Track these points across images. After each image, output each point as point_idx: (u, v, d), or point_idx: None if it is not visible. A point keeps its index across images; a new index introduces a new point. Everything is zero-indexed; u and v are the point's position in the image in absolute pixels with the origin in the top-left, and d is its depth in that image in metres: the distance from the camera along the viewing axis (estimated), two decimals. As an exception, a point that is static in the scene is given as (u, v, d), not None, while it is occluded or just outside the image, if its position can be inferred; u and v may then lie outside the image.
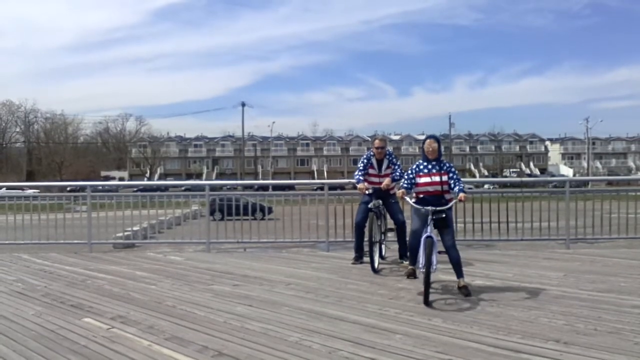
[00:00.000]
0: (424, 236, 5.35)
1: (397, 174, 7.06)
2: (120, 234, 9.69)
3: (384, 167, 7.15)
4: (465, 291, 5.44)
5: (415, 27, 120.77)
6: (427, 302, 5.06)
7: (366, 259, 7.05)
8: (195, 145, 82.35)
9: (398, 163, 7.25)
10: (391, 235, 7.48)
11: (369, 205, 6.89)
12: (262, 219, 9.84)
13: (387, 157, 7.19)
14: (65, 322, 4.64)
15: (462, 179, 5.81)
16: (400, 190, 5.76)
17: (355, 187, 7.30)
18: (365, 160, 7.21)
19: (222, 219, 9.70)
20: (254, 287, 6.01)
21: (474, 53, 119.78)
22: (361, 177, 7.07)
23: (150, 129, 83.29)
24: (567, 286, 5.79)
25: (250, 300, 5.38)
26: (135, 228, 10.07)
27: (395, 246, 7.44)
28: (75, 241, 9.24)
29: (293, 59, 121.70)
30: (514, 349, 3.81)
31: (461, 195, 5.52)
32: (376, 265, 6.67)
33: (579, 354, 3.70)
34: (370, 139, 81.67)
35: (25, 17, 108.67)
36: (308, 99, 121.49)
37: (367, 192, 6.98)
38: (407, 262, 6.68)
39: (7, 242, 9.17)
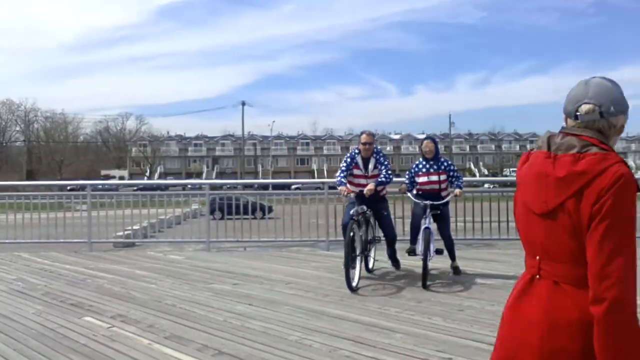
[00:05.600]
0: (422, 227, 5.92)
1: (383, 175, 6.10)
2: (121, 233, 9.68)
3: (370, 166, 6.17)
4: (456, 271, 6.32)
5: (419, 26, 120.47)
6: (425, 286, 5.67)
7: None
8: (195, 145, 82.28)
9: (386, 162, 6.24)
10: (381, 241, 6.65)
11: (351, 212, 5.96)
12: (262, 218, 9.85)
13: (375, 155, 6.21)
14: (65, 321, 4.64)
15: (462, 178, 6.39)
16: (403, 186, 6.41)
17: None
18: (348, 159, 6.25)
19: (222, 218, 9.70)
20: (254, 286, 6.01)
21: (478, 52, 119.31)
22: (343, 179, 6.13)
23: (151, 128, 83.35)
24: (568, 285, 5.78)
25: (250, 299, 5.38)
26: (135, 227, 10.06)
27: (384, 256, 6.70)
28: (76, 240, 9.24)
29: (295, 58, 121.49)
30: (514, 348, 3.81)
31: (456, 191, 6.16)
32: (354, 282, 5.67)
33: (580, 353, 3.69)
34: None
35: (28, 16, 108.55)
36: (310, 98, 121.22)
37: (349, 195, 6.12)
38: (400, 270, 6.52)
39: (7, 241, 9.17)
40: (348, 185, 6.17)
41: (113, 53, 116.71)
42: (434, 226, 6.12)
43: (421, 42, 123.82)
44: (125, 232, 9.72)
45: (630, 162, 78.06)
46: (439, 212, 6.07)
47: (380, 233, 6.59)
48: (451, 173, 6.23)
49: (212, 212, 9.51)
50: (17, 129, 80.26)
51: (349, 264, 5.60)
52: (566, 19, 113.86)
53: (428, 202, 5.99)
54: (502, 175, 64.85)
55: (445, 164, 6.28)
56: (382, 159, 6.23)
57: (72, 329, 4.43)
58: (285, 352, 3.82)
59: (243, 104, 67.30)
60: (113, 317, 4.76)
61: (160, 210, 10.23)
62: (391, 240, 6.42)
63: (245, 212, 9.39)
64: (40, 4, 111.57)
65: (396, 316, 4.72)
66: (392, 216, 6.82)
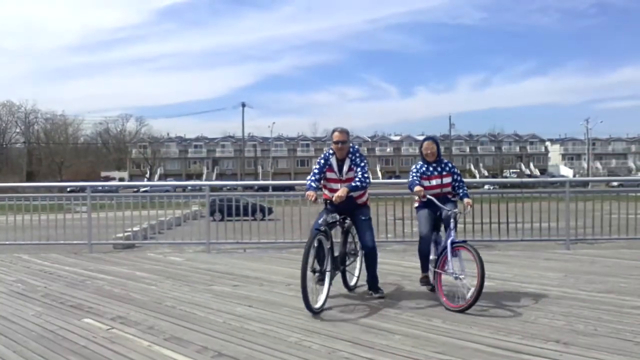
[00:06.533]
0: (449, 241, 5.12)
1: (358, 179, 5.24)
2: (121, 235, 9.70)
3: (345, 168, 5.36)
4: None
5: (420, 27, 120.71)
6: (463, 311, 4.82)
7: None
8: (196, 146, 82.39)
9: (362, 164, 5.36)
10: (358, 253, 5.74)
11: (319, 221, 5.17)
12: (262, 219, 9.85)
13: (350, 155, 5.38)
14: (65, 323, 4.64)
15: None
16: (419, 188, 5.39)
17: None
18: (322, 161, 5.42)
19: (222, 220, 9.70)
20: (254, 287, 6.01)
21: (479, 53, 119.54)
22: (313, 184, 5.27)
23: (151, 129, 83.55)
24: (567, 287, 5.79)
25: (250, 300, 5.39)
26: (135, 228, 10.08)
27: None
28: (75, 242, 9.24)
29: (296, 59, 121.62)
30: (513, 350, 3.81)
31: (467, 200, 5.44)
32: (319, 303, 4.89)
33: (579, 355, 3.70)
34: (369, 139, 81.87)
35: (29, 17, 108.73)
36: (310, 99, 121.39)
37: (316, 201, 5.25)
38: (378, 295, 5.42)
39: (7, 242, 9.17)
40: (326, 191, 5.44)
41: (113, 54, 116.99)
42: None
43: (421, 43, 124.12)
44: (125, 234, 9.73)
45: (630, 164, 78.02)
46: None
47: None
48: (455, 177, 5.56)
49: (212, 213, 9.52)
50: (17, 130, 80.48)
51: (307, 280, 4.78)
52: (566, 19, 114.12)
53: (456, 210, 5.22)
54: (502, 177, 64.83)
55: (450, 165, 5.65)
56: (357, 159, 5.37)
57: (71, 330, 4.43)
58: (285, 354, 3.82)
59: (243, 105, 67.45)
60: (113, 319, 4.76)
61: (160, 212, 10.24)
62: (369, 251, 5.39)
63: (245, 214, 9.40)
64: (40, 5, 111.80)
65: (395, 318, 4.72)
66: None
